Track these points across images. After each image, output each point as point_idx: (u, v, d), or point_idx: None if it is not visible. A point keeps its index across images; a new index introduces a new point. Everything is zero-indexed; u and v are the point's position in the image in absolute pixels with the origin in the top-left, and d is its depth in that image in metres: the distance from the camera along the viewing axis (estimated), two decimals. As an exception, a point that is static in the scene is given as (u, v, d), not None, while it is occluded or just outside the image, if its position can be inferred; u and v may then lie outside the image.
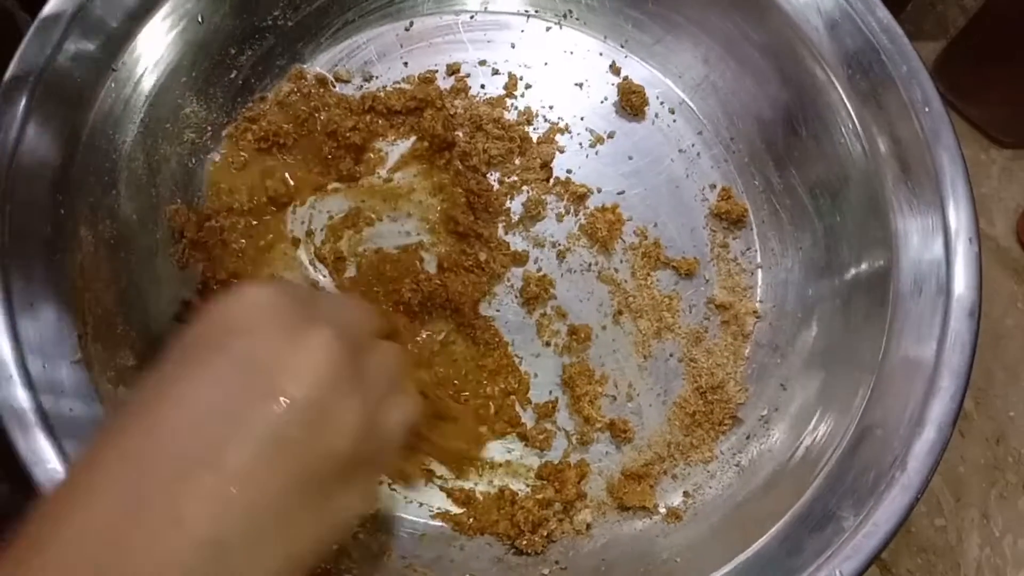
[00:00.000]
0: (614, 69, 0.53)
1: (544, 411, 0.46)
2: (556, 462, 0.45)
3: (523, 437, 0.45)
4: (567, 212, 0.50)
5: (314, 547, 0.28)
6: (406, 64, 0.51)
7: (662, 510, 0.44)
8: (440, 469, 0.44)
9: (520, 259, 0.48)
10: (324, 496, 0.27)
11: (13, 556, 0.24)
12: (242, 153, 0.47)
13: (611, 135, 0.51)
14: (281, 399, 0.26)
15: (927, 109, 0.42)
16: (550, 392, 0.47)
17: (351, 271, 0.47)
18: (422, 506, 0.44)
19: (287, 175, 0.47)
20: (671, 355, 0.48)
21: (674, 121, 0.52)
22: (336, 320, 0.29)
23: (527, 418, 0.46)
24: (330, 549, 0.30)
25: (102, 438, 0.26)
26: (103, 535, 0.24)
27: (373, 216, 0.48)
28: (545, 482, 0.45)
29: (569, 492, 0.44)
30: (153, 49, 0.43)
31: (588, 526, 0.44)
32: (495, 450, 0.45)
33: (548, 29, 0.53)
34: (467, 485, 0.44)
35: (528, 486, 0.45)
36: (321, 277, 0.47)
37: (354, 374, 0.28)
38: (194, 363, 0.27)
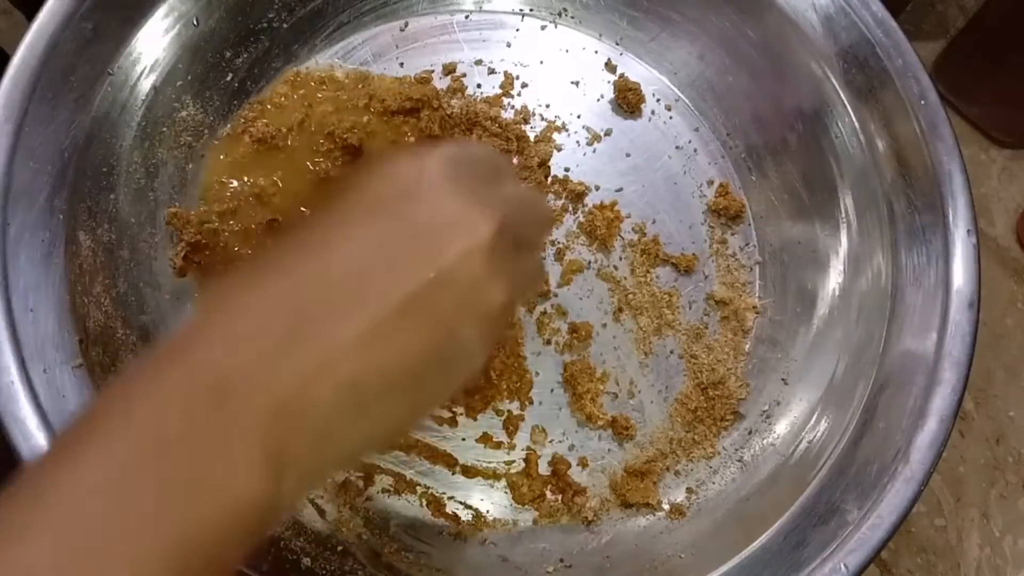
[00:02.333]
0: (610, 67, 0.53)
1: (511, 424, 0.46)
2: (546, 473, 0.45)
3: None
4: (565, 210, 0.50)
5: (426, 408, 0.31)
6: (402, 64, 0.51)
7: (665, 506, 0.44)
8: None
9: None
10: (451, 363, 0.28)
11: (165, 355, 0.25)
12: (240, 156, 0.47)
13: (608, 133, 0.51)
14: (435, 267, 0.27)
15: (923, 102, 0.42)
16: (551, 391, 0.47)
17: None
18: (426, 507, 0.44)
19: (279, 180, 0.47)
20: (672, 351, 0.48)
21: (671, 118, 0.52)
22: (511, 205, 0.30)
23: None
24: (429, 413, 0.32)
25: (260, 266, 0.27)
26: (254, 360, 0.24)
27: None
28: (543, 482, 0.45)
29: (565, 482, 0.44)
30: (149, 52, 0.43)
31: (595, 513, 0.44)
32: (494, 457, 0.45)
33: (543, 28, 0.53)
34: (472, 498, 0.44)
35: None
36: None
37: (510, 261, 0.29)
38: (363, 217, 0.28)
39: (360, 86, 0.49)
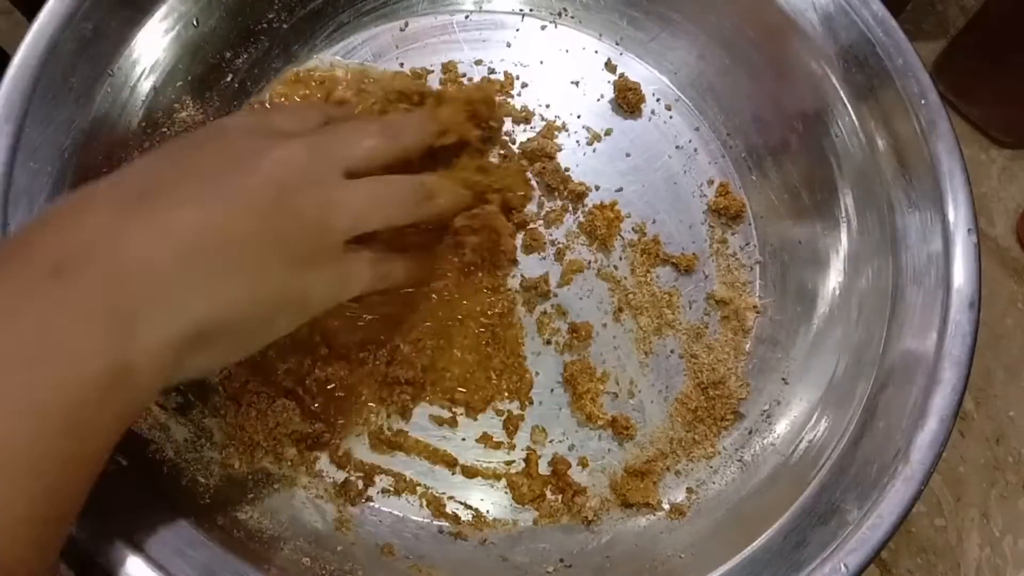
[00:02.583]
0: (610, 67, 0.53)
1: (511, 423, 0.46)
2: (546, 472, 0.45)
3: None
4: (565, 210, 0.50)
5: (278, 301, 0.32)
6: (402, 65, 0.51)
7: (666, 506, 0.44)
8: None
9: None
10: (293, 261, 0.32)
11: (7, 248, 0.28)
12: None
13: (608, 132, 0.51)
14: (259, 171, 0.32)
15: (923, 101, 0.42)
16: (551, 391, 0.47)
17: None
18: (426, 507, 0.44)
19: None
20: (672, 351, 0.48)
21: (671, 118, 0.52)
22: (299, 127, 0.36)
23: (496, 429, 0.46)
24: (297, 319, 0.34)
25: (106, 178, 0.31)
26: (97, 232, 0.27)
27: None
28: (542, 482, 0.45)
29: (565, 482, 0.44)
30: (149, 52, 0.43)
31: (595, 513, 0.43)
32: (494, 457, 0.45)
33: (543, 28, 0.53)
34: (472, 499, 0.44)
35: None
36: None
37: (328, 176, 0.35)
38: (184, 148, 0.33)
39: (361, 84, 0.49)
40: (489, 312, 0.46)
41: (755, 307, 0.49)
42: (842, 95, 0.45)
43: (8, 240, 0.28)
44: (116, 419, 0.26)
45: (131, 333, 0.25)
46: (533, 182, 0.50)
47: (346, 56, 0.51)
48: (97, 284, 0.25)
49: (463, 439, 0.45)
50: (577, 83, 0.52)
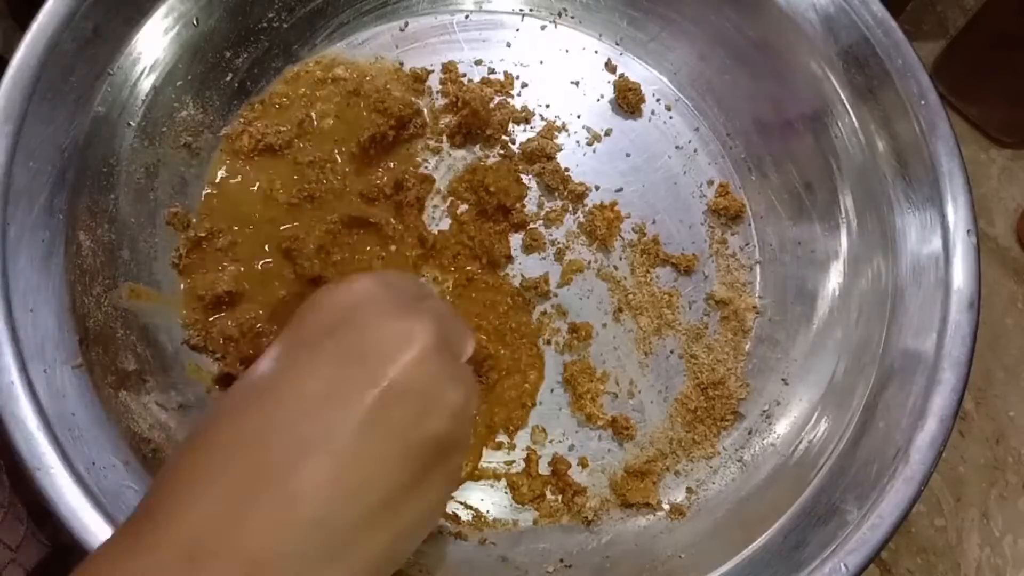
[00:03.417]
0: (610, 67, 0.53)
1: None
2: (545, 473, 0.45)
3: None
4: (566, 210, 0.50)
5: (414, 531, 0.29)
6: (402, 64, 0.51)
7: (665, 506, 0.44)
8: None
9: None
10: (423, 480, 0.28)
11: (132, 531, 0.25)
12: (239, 158, 0.47)
13: (608, 133, 0.51)
14: (385, 384, 0.27)
15: (923, 102, 0.42)
16: (551, 391, 0.47)
17: None
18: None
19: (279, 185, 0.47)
20: (672, 351, 0.48)
21: (671, 118, 0.52)
22: (439, 318, 0.30)
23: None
24: (422, 537, 0.31)
25: (211, 424, 0.27)
26: (221, 513, 0.24)
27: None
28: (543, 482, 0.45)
29: (565, 482, 0.44)
30: (149, 52, 0.43)
31: (595, 513, 0.44)
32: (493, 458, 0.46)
33: (543, 28, 0.53)
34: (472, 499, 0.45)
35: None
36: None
37: (453, 365, 0.29)
38: (302, 353, 0.28)
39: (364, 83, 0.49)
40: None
41: (755, 307, 0.49)
42: (842, 96, 0.45)
43: (137, 511, 0.26)
44: None
45: None
46: (532, 182, 0.50)
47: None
48: (230, 575, 0.24)
49: (463, 439, 0.45)
50: (577, 83, 0.52)
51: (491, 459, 0.45)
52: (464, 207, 0.49)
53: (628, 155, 0.51)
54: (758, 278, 0.50)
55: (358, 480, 0.26)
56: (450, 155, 0.50)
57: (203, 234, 0.45)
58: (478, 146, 0.50)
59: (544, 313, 0.48)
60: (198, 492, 0.25)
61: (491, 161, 0.50)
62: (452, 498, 0.44)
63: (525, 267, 0.48)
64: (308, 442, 0.26)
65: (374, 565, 0.27)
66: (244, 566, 0.24)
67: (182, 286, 0.44)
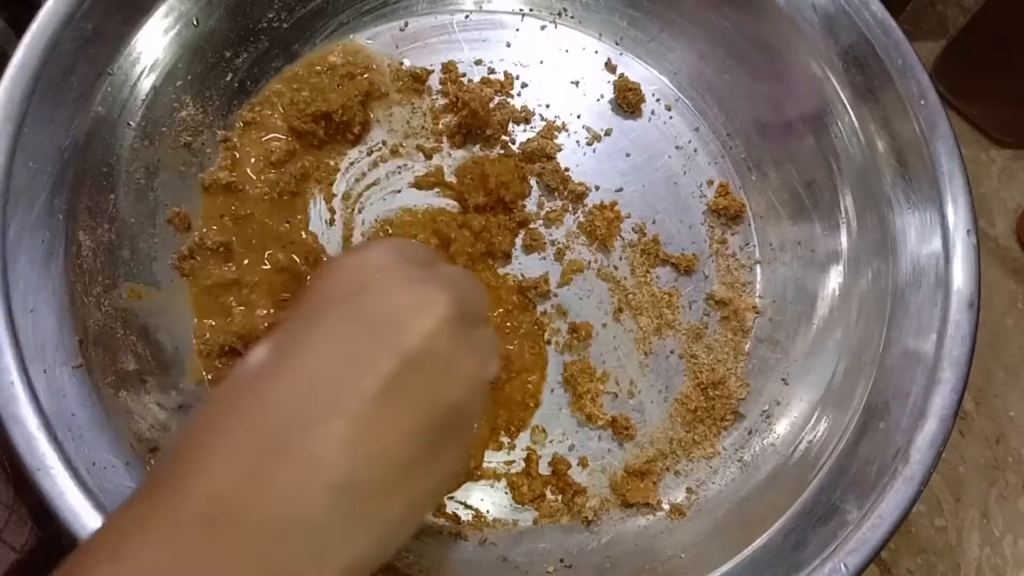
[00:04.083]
0: (609, 67, 0.53)
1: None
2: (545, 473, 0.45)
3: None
4: (566, 210, 0.50)
5: (429, 499, 0.29)
6: (401, 64, 0.51)
7: (665, 506, 0.44)
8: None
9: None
10: (438, 448, 0.28)
11: (149, 494, 0.25)
12: (236, 154, 0.47)
13: (608, 133, 0.51)
14: (403, 351, 0.27)
15: (923, 102, 0.42)
16: (551, 391, 0.47)
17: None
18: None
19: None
20: (672, 352, 0.48)
21: (670, 118, 0.52)
22: (455, 284, 0.30)
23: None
24: (435, 506, 0.31)
25: (228, 390, 0.27)
26: (241, 476, 0.24)
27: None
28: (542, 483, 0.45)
29: (565, 482, 0.44)
30: (149, 52, 0.43)
31: (595, 513, 0.44)
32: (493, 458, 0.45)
33: (543, 28, 0.53)
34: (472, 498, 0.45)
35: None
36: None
37: (469, 334, 0.29)
38: (321, 319, 0.28)
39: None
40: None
41: (755, 307, 0.49)
42: (842, 96, 0.45)
43: (155, 474, 0.26)
44: None
45: None
46: (532, 182, 0.50)
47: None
48: (249, 539, 0.24)
49: (463, 439, 0.45)
50: (577, 83, 0.52)
51: (491, 459, 0.45)
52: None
53: (628, 155, 0.51)
54: (758, 278, 0.50)
55: (378, 445, 0.26)
56: (450, 155, 0.50)
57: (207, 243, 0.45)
58: (478, 146, 0.50)
59: (544, 313, 0.48)
60: (218, 456, 0.25)
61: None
62: (452, 498, 0.44)
63: (525, 267, 0.48)
64: (327, 407, 0.26)
65: (391, 531, 0.27)
66: (264, 529, 0.24)
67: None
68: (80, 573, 0.23)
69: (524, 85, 0.52)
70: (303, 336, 0.28)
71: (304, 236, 0.47)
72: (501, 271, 0.48)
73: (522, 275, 0.48)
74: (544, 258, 0.49)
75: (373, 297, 0.28)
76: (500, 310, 0.47)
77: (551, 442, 0.46)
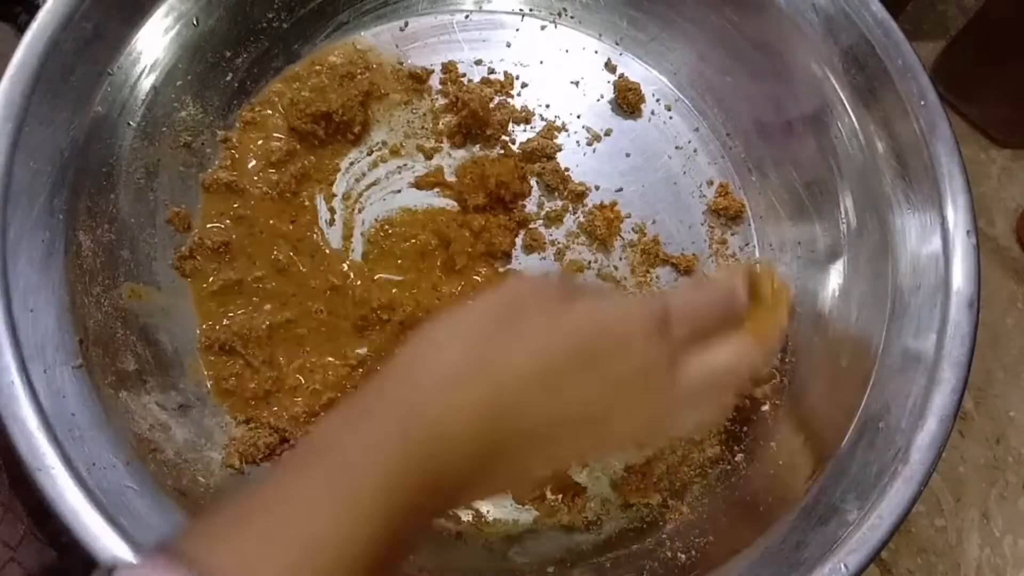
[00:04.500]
0: (609, 67, 0.53)
1: None
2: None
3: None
4: (566, 210, 0.50)
5: (559, 457, 0.32)
6: (401, 64, 0.51)
7: (665, 506, 0.44)
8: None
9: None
10: (593, 420, 0.30)
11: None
12: (236, 154, 0.47)
13: (608, 133, 0.51)
14: (545, 355, 0.29)
15: (923, 103, 0.42)
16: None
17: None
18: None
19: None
20: (671, 352, 0.48)
21: (670, 118, 0.52)
22: (596, 300, 0.32)
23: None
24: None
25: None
26: (431, 396, 0.28)
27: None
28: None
29: (565, 482, 0.44)
30: (149, 52, 0.43)
31: (595, 513, 0.43)
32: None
33: (543, 28, 0.53)
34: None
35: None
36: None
37: (641, 356, 0.30)
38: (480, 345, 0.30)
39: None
40: None
41: (755, 307, 0.49)
42: (842, 96, 0.45)
43: (369, 390, 0.30)
44: (428, 517, 0.29)
45: (439, 485, 0.28)
46: (532, 182, 0.50)
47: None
48: (423, 454, 0.27)
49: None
50: (577, 83, 0.52)
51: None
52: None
53: (628, 155, 0.51)
54: (758, 278, 0.49)
55: (545, 389, 0.29)
56: (450, 155, 0.50)
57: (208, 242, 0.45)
58: (478, 146, 0.50)
59: (544, 313, 0.48)
60: (410, 387, 0.29)
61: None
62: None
63: (525, 267, 0.48)
64: (521, 351, 0.29)
65: (528, 467, 0.30)
66: (430, 453, 0.27)
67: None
68: (304, 463, 0.28)
69: (524, 85, 0.52)
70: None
71: (305, 236, 0.47)
72: (501, 270, 0.48)
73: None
74: (544, 258, 0.49)
75: (523, 321, 0.30)
76: None
77: (551, 442, 0.46)
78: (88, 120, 0.40)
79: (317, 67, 0.50)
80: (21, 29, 0.39)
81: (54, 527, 0.41)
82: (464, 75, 0.51)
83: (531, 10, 0.53)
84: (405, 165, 0.50)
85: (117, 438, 0.36)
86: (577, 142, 0.51)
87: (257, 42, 0.49)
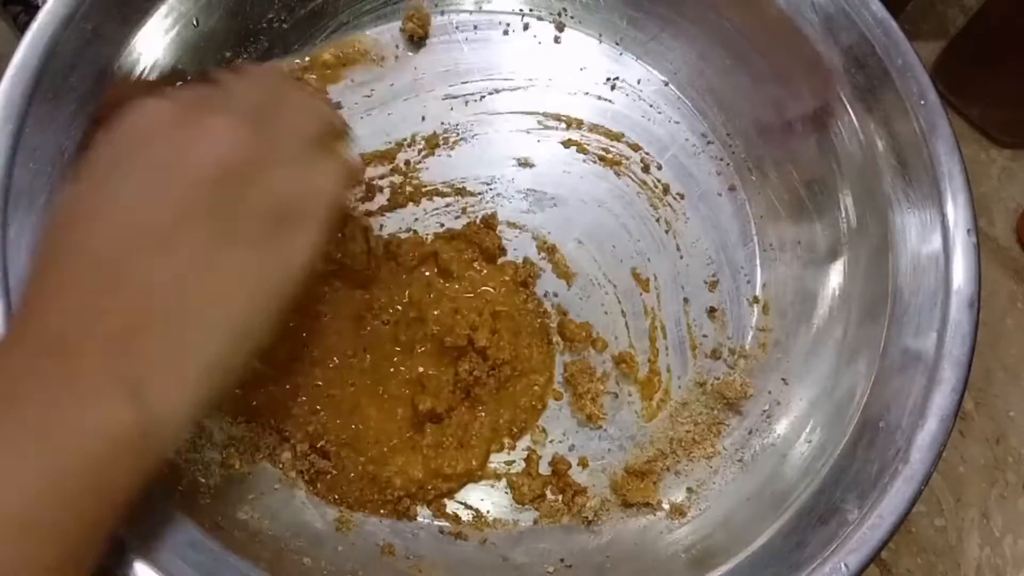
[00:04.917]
0: (610, 67, 0.53)
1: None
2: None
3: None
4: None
5: (273, 291, 0.31)
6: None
7: (666, 506, 0.44)
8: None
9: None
10: (264, 246, 0.31)
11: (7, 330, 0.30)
12: None
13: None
14: (192, 180, 0.29)
15: (923, 102, 0.42)
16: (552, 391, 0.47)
17: None
18: (427, 507, 0.44)
19: None
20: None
21: (670, 118, 0.52)
22: (232, 104, 0.32)
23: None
24: (283, 300, 0.32)
25: (64, 232, 0.30)
26: (84, 307, 0.27)
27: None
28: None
29: (566, 482, 0.44)
30: (149, 53, 0.43)
31: (595, 513, 0.43)
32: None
33: (543, 28, 0.53)
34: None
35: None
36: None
37: (258, 141, 0.31)
38: (111, 177, 0.30)
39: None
40: None
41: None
42: (842, 96, 0.45)
43: (14, 315, 0.30)
44: (138, 473, 0.27)
45: (142, 400, 0.26)
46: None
47: (346, 56, 0.51)
48: (97, 359, 0.26)
49: (463, 439, 0.45)
50: (577, 83, 0.52)
51: (492, 459, 0.45)
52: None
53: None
54: (758, 278, 0.50)
55: (186, 264, 0.28)
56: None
57: None
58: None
59: (545, 313, 0.48)
60: (62, 302, 0.28)
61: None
62: (452, 498, 0.44)
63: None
64: (153, 242, 0.28)
65: (239, 326, 0.30)
66: (107, 340, 0.27)
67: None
68: None
69: (528, 84, 0.52)
70: (101, 195, 0.30)
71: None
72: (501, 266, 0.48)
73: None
74: (544, 258, 0.49)
75: (152, 151, 0.30)
76: (503, 308, 0.47)
77: (551, 442, 0.46)
78: (88, 120, 0.40)
79: (317, 67, 0.50)
80: (21, 29, 0.39)
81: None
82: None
83: (531, 10, 0.53)
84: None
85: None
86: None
87: (257, 42, 0.49)
